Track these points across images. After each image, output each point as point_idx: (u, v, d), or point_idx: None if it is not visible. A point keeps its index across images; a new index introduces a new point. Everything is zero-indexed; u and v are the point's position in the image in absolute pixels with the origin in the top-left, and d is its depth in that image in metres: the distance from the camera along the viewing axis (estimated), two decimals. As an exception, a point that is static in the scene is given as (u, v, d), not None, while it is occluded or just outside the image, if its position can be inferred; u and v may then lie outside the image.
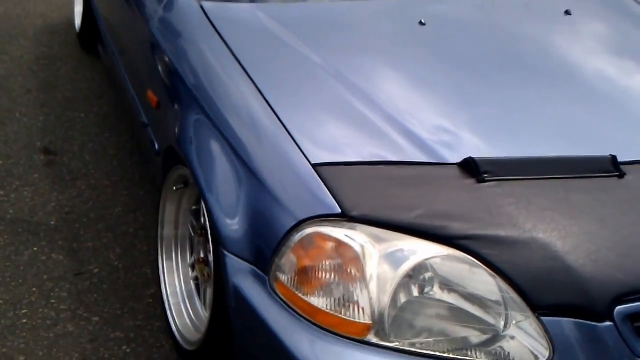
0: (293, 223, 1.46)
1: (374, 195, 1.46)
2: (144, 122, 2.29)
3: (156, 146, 2.15)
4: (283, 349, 1.43)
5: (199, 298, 2.01)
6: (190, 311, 1.99)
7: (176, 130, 1.88)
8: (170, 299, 2.02)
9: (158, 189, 2.15)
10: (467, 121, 1.69)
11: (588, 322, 1.36)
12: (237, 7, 2.10)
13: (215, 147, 1.72)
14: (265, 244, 1.51)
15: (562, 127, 1.71)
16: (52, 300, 2.14)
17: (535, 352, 1.36)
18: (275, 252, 1.48)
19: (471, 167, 1.50)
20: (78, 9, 4.14)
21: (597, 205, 1.50)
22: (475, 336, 1.39)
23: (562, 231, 1.42)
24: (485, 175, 1.48)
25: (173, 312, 2.00)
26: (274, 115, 1.67)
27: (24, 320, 2.06)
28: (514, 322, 1.38)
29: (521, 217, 1.43)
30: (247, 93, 1.76)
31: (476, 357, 1.38)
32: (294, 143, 1.58)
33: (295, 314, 1.44)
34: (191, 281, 2.03)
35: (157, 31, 2.14)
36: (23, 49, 4.00)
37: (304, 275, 1.45)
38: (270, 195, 1.54)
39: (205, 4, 2.08)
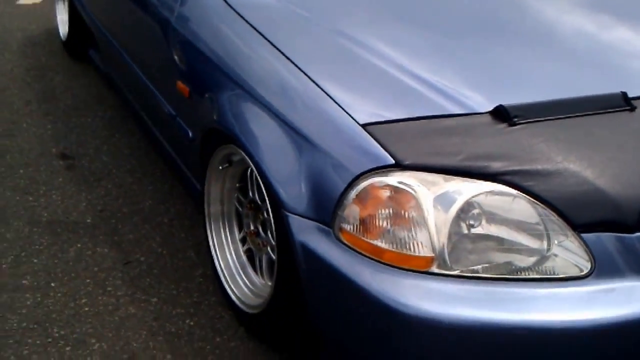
0: (352, 177, 1.62)
1: (421, 145, 1.64)
2: (172, 114, 2.43)
3: (190, 134, 2.29)
4: (357, 288, 1.59)
5: (252, 268, 2.17)
6: (246, 280, 2.15)
7: (217, 112, 2.03)
8: (225, 272, 2.17)
9: (196, 172, 2.31)
10: (488, 76, 1.88)
11: (621, 234, 1.56)
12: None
13: (262, 119, 1.88)
14: (326, 200, 1.67)
15: (573, 72, 1.91)
16: (109, 288, 2.27)
17: (579, 266, 1.56)
18: (337, 206, 1.64)
19: (502, 114, 1.68)
20: (62, 18, 4.22)
21: (615, 135, 1.71)
22: (524, 259, 1.58)
23: (589, 160, 1.62)
24: (516, 119, 1.67)
25: (230, 284, 2.15)
26: (314, 84, 1.83)
27: (86, 309, 2.18)
28: (556, 242, 1.57)
29: (552, 152, 1.62)
30: (283, 66, 1.92)
31: (527, 276, 1.58)
32: (339, 107, 1.74)
33: (364, 257, 1.62)
34: (243, 254, 2.19)
35: (180, 26, 2.28)
36: (11, 62, 4.07)
37: (367, 222, 1.61)
38: (324, 156, 1.70)
39: (225, -5, 2.23)
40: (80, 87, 3.72)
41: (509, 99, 1.75)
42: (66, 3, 4.13)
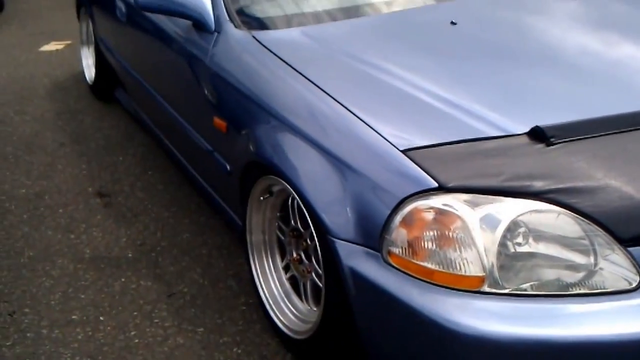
0: (397, 202, 1.69)
1: (462, 168, 1.70)
2: (208, 149, 2.51)
3: (228, 167, 2.36)
4: (408, 309, 1.65)
5: (296, 294, 2.22)
6: (291, 307, 2.20)
7: (256, 145, 2.11)
8: (270, 300, 2.23)
9: (234, 204, 2.38)
10: (517, 98, 1.95)
11: (668, 246, 1.62)
12: (284, 32, 2.34)
13: (302, 149, 1.96)
14: (372, 225, 1.74)
15: (598, 91, 1.98)
16: (156, 320, 2.33)
17: (628, 279, 1.60)
18: (384, 230, 1.71)
19: (539, 134, 1.75)
20: (88, 62, 4.35)
21: (650, 150, 1.77)
22: (572, 275, 1.62)
23: (629, 174, 1.67)
24: (553, 139, 1.73)
25: (276, 311, 2.21)
26: (350, 113, 1.91)
27: (136, 341, 2.24)
28: (602, 256, 1.62)
29: (592, 169, 1.68)
30: (318, 98, 2.00)
31: (577, 292, 1.62)
32: (377, 134, 1.82)
33: (414, 278, 1.67)
34: (286, 281, 2.25)
35: (214, 65, 2.37)
36: (41, 107, 4.20)
37: (414, 244, 1.67)
38: (367, 181, 1.77)
39: (257, 34, 2.32)
40: (110, 127, 3.83)
41: (541, 119, 1.81)
42: (91, 48, 4.27)
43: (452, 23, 2.29)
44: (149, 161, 3.44)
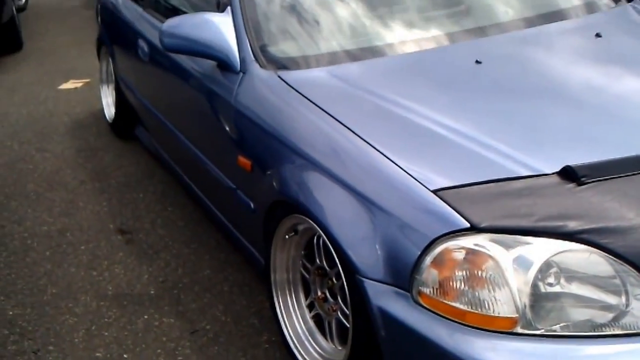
0: (428, 242, 1.70)
1: (493, 207, 1.71)
2: (231, 187, 2.53)
3: (252, 205, 2.38)
4: (440, 350, 1.65)
5: (321, 333, 2.21)
6: (316, 346, 2.20)
7: (282, 183, 2.13)
8: (294, 338, 2.23)
9: (256, 242, 2.39)
10: (544, 137, 1.96)
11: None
12: (309, 72, 2.37)
13: (329, 188, 1.97)
14: (402, 265, 1.75)
15: (624, 130, 1.99)
16: (179, 358, 2.33)
17: (661, 317, 1.61)
18: (414, 270, 1.71)
19: (569, 174, 1.76)
20: (108, 100, 4.41)
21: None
22: (603, 315, 1.62)
23: (660, 214, 1.68)
24: (583, 179, 1.74)
25: (300, 350, 2.20)
26: (378, 153, 1.93)
27: (161, 379, 2.25)
28: (634, 296, 1.62)
29: (623, 208, 1.68)
30: (345, 137, 2.03)
31: (608, 333, 1.61)
32: (406, 174, 1.83)
33: (445, 319, 1.67)
34: (310, 320, 2.24)
35: (239, 105, 2.40)
36: (61, 144, 4.25)
37: (446, 284, 1.68)
38: (396, 221, 1.78)
39: (282, 74, 2.35)
40: (130, 165, 3.87)
41: (570, 158, 1.82)
42: (111, 87, 4.34)
43: (477, 62, 2.31)
44: (169, 198, 3.46)
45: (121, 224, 3.23)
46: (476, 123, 2.03)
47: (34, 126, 4.60)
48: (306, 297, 2.29)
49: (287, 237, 2.22)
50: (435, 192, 1.77)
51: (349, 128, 2.05)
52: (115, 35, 4.06)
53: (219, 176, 2.66)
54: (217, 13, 2.59)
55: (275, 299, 2.31)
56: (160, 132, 3.47)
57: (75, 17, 7.81)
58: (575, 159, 1.82)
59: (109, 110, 4.42)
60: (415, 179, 1.81)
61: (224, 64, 2.52)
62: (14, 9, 6.61)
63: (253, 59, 2.44)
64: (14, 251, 3.07)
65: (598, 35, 2.51)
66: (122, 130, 4.25)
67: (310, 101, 2.21)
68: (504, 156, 1.87)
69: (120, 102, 4.14)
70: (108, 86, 4.45)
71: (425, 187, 1.78)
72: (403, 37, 2.52)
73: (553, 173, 1.79)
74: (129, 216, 3.30)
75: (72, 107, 4.93)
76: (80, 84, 5.44)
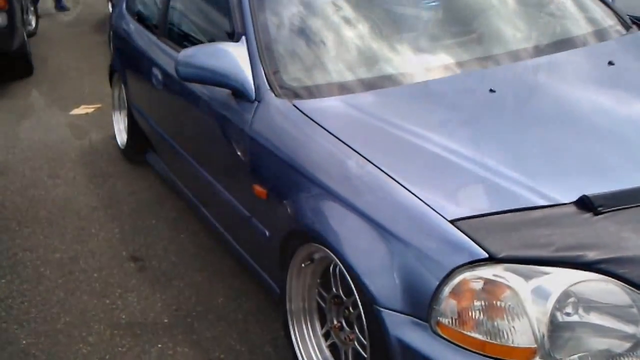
0: (446, 272, 1.70)
1: (511, 238, 1.71)
2: (246, 215, 2.54)
3: (267, 234, 2.39)
4: (460, 382, 1.64)
5: (336, 362, 2.21)
6: (332, 375, 2.20)
7: (298, 212, 2.14)
8: (310, 368, 2.23)
9: (271, 270, 2.40)
10: (560, 166, 1.97)
11: None
12: (325, 101, 2.39)
13: (346, 218, 1.98)
14: (420, 295, 1.75)
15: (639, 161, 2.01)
16: (194, 388, 2.32)
17: (677, 349, 1.60)
18: (432, 300, 1.71)
19: (586, 204, 1.77)
20: (120, 127, 4.44)
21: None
22: (621, 345, 1.63)
23: (677, 244, 1.68)
24: (600, 208, 1.75)
25: (316, 378, 2.20)
26: (395, 182, 1.93)
27: (175, 409, 2.24)
28: (653, 327, 1.62)
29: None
30: (362, 167, 2.03)
31: (627, 362, 1.61)
32: (424, 204, 1.84)
33: (463, 349, 1.67)
34: (326, 349, 2.24)
35: (255, 134, 2.42)
36: (73, 171, 4.27)
37: (465, 315, 1.68)
38: (414, 250, 1.78)
39: (297, 103, 2.37)
40: (142, 191, 3.88)
41: (587, 188, 1.83)
42: (123, 113, 4.37)
43: (491, 90, 2.33)
44: (181, 224, 3.47)
45: (134, 250, 3.24)
46: (492, 152, 2.04)
47: (46, 152, 4.62)
48: (322, 326, 2.28)
49: (303, 265, 2.23)
50: (452, 221, 1.77)
51: (365, 157, 2.06)
52: (128, 63, 4.10)
53: (234, 204, 2.67)
54: (232, 43, 2.62)
55: (290, 327, 2.31)
56: (173, 159, 3.49)
57: (85, 41, 7.88)
58: (592, 189, 1.83)
59: (121, 137, 4.45)
60: (433, 209, 1.82)
61: (239, 93, 2.54)
62: (25, 34, 6.68)
63: (268, 87, 2.46)
64: (27, 279, 3.07)
65: (611, 63, 2.53)
66: (134, 156, 4.28)
67: (326, 130, 2.23)
68: (521, 185, 1.87)
69: (133, 128, 4.18)
70: (120, 112, 4.49)
71: (443, 217, 1.79)
72: (417, 66, 2.54)
73: (570, 203, 1.80)
74: (142, 243, 3.30)
75: (84, 132, 4.96)
76: (92, 110, 5.48)
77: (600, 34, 2.80)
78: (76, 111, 5.50)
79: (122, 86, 4.28)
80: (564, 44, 2.71)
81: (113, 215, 3.63)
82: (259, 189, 2.41)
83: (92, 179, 4.12)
